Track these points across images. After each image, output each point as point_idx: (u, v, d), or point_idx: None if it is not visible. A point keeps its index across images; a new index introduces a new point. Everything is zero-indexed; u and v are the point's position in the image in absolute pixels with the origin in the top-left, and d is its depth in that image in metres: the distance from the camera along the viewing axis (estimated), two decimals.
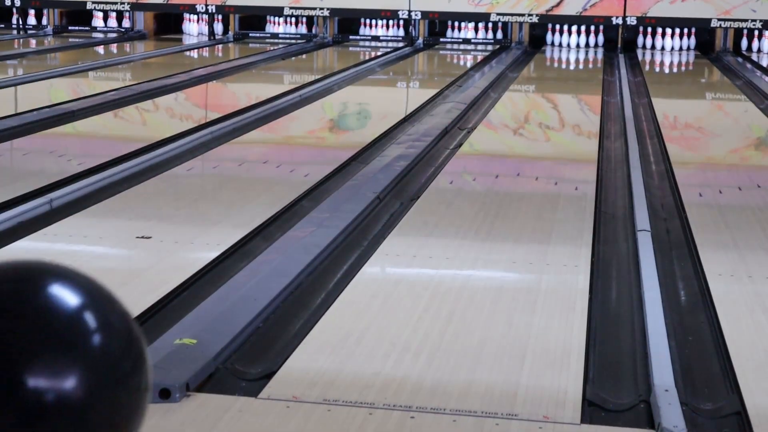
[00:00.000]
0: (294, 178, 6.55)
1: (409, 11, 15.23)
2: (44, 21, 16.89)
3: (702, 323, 4.18)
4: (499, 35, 16.05)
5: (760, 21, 14.63)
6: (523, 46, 15.60)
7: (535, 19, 15.23)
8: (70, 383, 0.86)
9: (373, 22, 16.17)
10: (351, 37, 16.09)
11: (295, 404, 3.23)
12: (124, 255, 4.94)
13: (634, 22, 14.90)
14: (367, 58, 14.35)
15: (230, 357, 3.62)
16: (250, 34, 16.53)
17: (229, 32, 16.34)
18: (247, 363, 3.60)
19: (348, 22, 16.20)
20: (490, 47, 15.53)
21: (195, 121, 8.62)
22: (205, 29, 16.57)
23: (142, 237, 5.09)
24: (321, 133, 8.67)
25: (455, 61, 14.88)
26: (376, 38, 16.16)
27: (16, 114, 8.66)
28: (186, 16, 16.77)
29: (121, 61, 13.57)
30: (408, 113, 9.20)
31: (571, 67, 14.55)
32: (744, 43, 15.52)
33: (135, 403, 0.93)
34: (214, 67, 12.50)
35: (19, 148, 7.52)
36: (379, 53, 14.68)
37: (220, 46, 15.70)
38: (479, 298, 4.33)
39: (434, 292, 4.36)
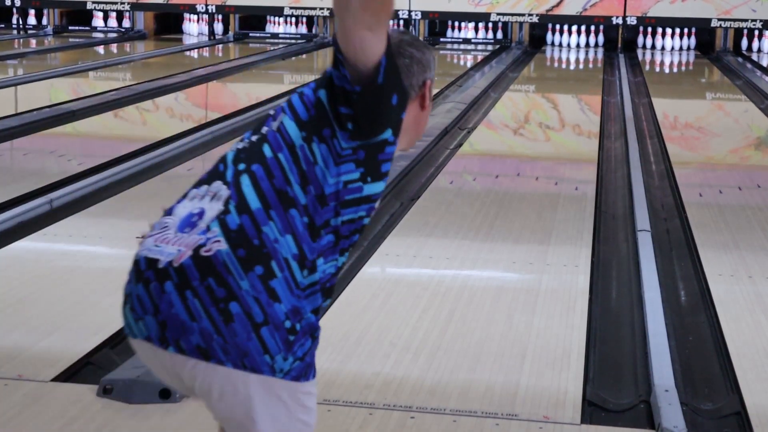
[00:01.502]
0: None
1: (409, 11, 15.23)
2: (44, 21, 16.89)
3: (702, 323, 4.18)
4: (499, 35, 16.05)
5: (760, 21, 14.63)
6: (523, 46, 15.59)
7: (535, 19, 15.24)
8: None
9: None
10: None
11: None
12: (124, 255, 4.92)
13: (634, 22, 14.90)
14: None
15: None
16: (250, 34, 16.53)
17: (229, 32, 16.35)
18: None
19: None
20: (490, 47, 15.53)
21: (195, 121, 8.62)
22: (205, 29, 16.57)
23: (142, 237, 5.09)
24: None
25: (455, 61, 14.88)
26: None
27: (17, 114, 8.66)
28: (186, 16, 16.77)
29: (121, 61, 13.57)
30: None
31: (571, 67, 14.56)
32: (744, 43, 15.52)
33: None
34: (214, 67, 12.50)
35: (20, 148, 7.52)
36: None
37: (220, 46, 15.70)
38: (479, 298, 4.33)
39: (434, 292, 4.36)
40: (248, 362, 1.86)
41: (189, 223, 1.94)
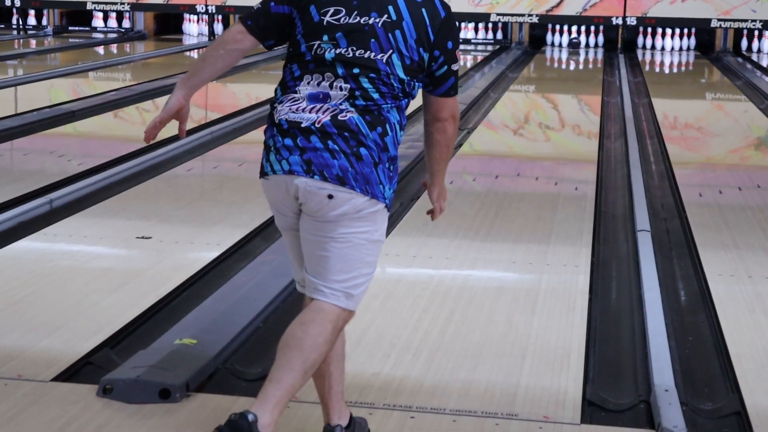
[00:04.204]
0: None
1: None
2: (44, 21, 16.90)
3: (702, 323, 4.19)
4: (499, 35, 16.05)
5: (760, 21, 14.64)
6: (523, 46, 15.60)
7: (535, 19, 15.24)
8: None
9: None
10: None
11: (295, 404, 3.23)
12: (124, 255, 4.94)
13: (634, 22, 14.91)
14: None
15: (230, 357, 3.62)
16: None
17: None
18: (247, 363, 3.60)
19: None
20: (490, 47, 15.53)
21: (195, 122, 8.62)
22: (205, 29, 16.57)
23: (142, 237, 5.09)
24: None
25: None
26: None
27: (17, 114, 8.66)
28: (186, 16, 16.77)
29: (121, 61, 13.57)
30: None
31: (571, 67, 14.56)
32: (744, 43, 15.53)
33: None
34: None
35: (20, 148, 7.53)
36: None
37: None
38: (479, 298, 4.33)
39: (434, 292, 4.36)
40: (369, 188, 2.71)
41: (317, 100, 2.72)
